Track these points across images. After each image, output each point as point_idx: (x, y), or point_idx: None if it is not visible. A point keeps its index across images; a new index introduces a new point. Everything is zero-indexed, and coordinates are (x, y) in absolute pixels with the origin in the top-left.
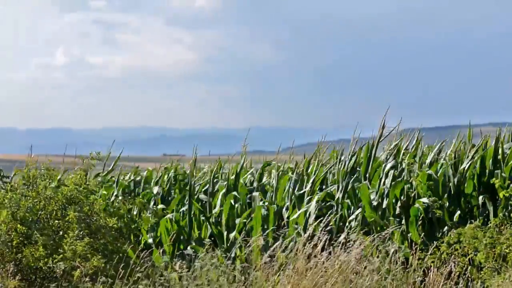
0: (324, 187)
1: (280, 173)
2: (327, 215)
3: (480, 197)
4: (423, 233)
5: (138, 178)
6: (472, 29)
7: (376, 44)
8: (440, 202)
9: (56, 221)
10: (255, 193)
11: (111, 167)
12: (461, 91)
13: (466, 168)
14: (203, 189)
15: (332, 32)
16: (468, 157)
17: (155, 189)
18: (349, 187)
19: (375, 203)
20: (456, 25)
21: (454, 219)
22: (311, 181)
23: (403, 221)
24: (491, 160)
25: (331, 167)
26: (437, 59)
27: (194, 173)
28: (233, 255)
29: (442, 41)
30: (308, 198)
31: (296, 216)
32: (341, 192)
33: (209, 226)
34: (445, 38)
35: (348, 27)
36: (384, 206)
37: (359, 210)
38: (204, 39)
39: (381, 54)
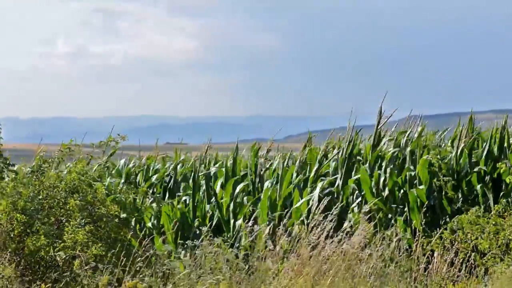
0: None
1: (286, 162)
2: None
3: (479, 186)
4: (425, 220)
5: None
6: (470, 16)
7: (378, 31)
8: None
9: (59, 210)
10: (266, 183)
11: (109, 154)
12: (462, 78)
13: (466, 154)
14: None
15: (334, 19)
16: (467, 143)
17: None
18: (349, 174)
19: (376, 191)
20: (454, 12)
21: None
22: (314, 169)
23: (406, 209)
24: (496, 147)
25: (334, 156)
26: (438, 46)
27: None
28: (237, 242)
29: (442, 28)
30: (311, 186)
31: (299, 204)
32: (341, 179)
33: (217, 212)
34: (445, 24)
35: (350, 15)
36: (386, 193)
37: (360, 197)
38: (207, 28)
39: (383, 41)
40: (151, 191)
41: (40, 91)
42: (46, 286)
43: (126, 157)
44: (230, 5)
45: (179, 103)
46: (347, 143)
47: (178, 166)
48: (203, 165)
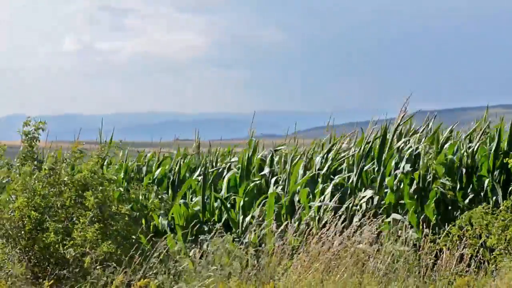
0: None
1: (293, 158)
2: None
3: (486, 181)
4: (438, 216)
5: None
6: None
7: (386, 27)
8: (452, 184)
9: (70, 208)
10: (272, 180)
11: (113, 152)
12: (472, 73)
13: (475, 150)
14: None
15: (341, 14)
16: (477, 138)
17: (156, 172)
18: (363, 171)
19: (394, 188)
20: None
21: (467, 202)
22: (326, 166)
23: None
24: (506, 142)
25: (346, 152)
26: (447, 41)
27: (211, 159)
28: (246, 240)
29: (452, 21)
30: (323, 182)
31: (315, 202)
32: (355, 175)
33: (224, 210)
34: (452, 19)
35: (357, 10)
36: (400, 189)
37: (370, 192)
38: (214, 24)
39: (390, 36)
40: (156, 188)
41: (47, 88)
42: (54, 283)
43: (128, 153)
44: (237, 0)
45: (187, 99)
46: (365, 141)
47: (181, 162)
48: (214, 161)
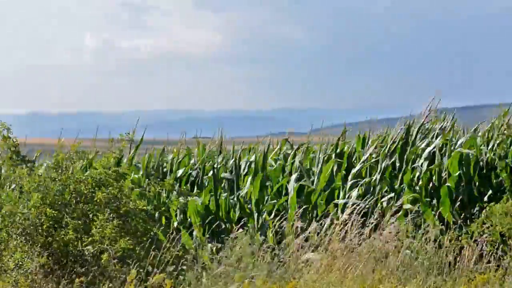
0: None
1: (325, 156)
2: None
3: (504, 176)
4: (455, 213)
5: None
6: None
7: (405, 25)
8: (469, 181)
9: (86, 204)
10: (292, 177)
11: (135, 149)
12: (491, 69)
13: (495, 147)
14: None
15: (358, 11)
16: (495, 136)
17: (179, 172)
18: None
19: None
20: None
21: (485, 199)
22: (357, 166)
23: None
24: None
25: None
26: (465, 35)
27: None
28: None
29: (473, 17)
30: (351, 182)
31: (340, 201)
32: (379, 174)
33: (238, 208)
34: (463, 14)
35: (374, 6)
36: (418, 187)
37: (393, 193)
38: (232, 21)
39: (407, 33)
40: (177, 185)
41: (67, 86)
42: (75, 280)
43: (148, 151)
44: None
45: (205, 96)
46: (391, 140)
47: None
48: (230, 159)
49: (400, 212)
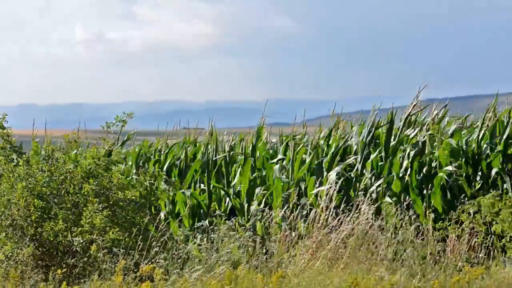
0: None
1: (296, 145)
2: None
3: (495, 169)
4: (444, 203)
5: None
6: None
7: (393, 14)
8: (461, 170)
9: (75, 195)
10: (276, 166)
11: (124, 139)
12: (483, 59)
13: (481, 137)
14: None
15: (351, 3)
16: (482, 126)
17: (167, 163)
18: (370, 158)
19: (400, 175)
20: None
21: (475, 190)
22: (330, 152)
23: (425, 192)
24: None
25: (351, 139)
26: (455, 26)
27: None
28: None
29: (465, 6)
30: (327, 169)
31: (317, 189)
32: (360, 163)
33: (227, 199)
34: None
35: (372, 2)
36: (406, 177)
37: (381, 180)
38: (225, 13)
39: (400, 24)
40: (164, 175)
41: (58, 77)
42: (64, 271)
43: (138, 142)
44: None
45: (197, 88)
46: (368, 128)
47: (188, 149)
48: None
49: (386, 200)
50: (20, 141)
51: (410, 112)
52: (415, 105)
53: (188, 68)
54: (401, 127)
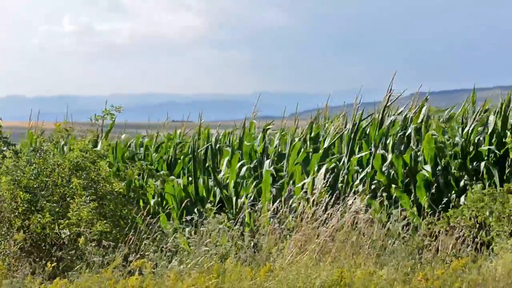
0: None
1: (292, 139)
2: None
3: (483, 163)
4: (431, 198)
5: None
6: None
7: (381, 7)
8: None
9: (63, 188)
10: (266, 161)
11: (107, 130)
12: (468, 54)
13: (470, 132)
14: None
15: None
16: (471, 120)
17: (155, 155)
18: (354, 152)
19: (384, 169)
20: None
21: (462, 184)
22: (323, 147)
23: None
24: (500, 124)
25: (342, 133)
26: (442, 20)
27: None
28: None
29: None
30: (317, 164)
31: (305, 182)
32: (346, 156)
33: (218, 191)
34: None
35: None
36: (392, 171)
37: (364, 173)
38: (213, 5)
39: (386, 17)
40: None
41: (45, 69)
42: (52, 264)
43: (125, 135)
44: None
45: (186, 80)
46: (352, 122)
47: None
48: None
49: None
50: (7, 132)
51: (386, 104)
52: (389, 97)
53: (178, 61)
54: (380, 120)
